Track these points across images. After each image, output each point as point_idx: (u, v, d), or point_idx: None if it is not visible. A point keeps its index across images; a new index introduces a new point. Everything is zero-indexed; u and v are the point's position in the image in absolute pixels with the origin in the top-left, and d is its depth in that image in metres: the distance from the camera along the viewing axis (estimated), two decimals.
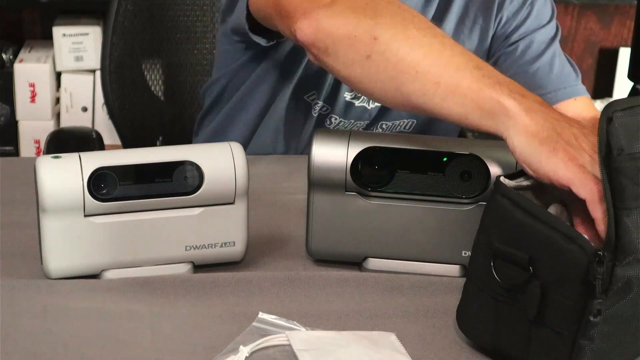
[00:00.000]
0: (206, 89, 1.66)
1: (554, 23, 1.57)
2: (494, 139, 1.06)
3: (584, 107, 1.53)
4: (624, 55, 2.88)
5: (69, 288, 1.10)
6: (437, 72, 1.07)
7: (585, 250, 0.90)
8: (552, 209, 0.99)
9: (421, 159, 1.14)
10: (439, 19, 1.52)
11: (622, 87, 2.92)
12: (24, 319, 1.04)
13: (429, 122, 1.57)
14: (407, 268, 1.17)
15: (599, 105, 2.43)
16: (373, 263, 1.17)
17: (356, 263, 1.19)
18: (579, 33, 2.95)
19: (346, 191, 1.15)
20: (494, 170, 1.11)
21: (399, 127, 1.56)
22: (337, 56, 1.15)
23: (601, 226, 0.94)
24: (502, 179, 0.99)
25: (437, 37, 1.11)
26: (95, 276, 1.12)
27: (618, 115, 0.90)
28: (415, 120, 1.57)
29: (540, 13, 1.56)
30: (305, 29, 1.16)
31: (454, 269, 1.16)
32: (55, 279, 1.11)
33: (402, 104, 1.12)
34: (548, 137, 1.00)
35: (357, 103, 1.53)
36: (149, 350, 1.00)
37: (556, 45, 1.56)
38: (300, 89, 1.52)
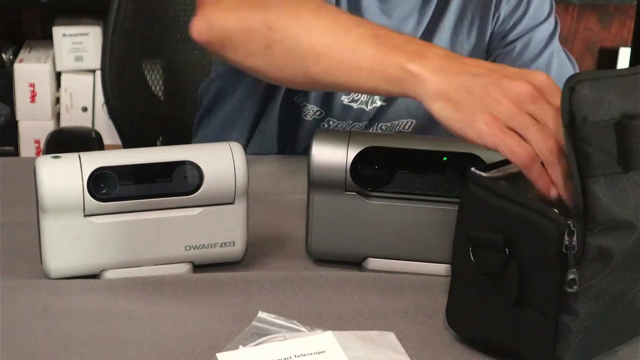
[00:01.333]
0: (203, 89, 1.66)
1: (552, 19, 1.56)
2: None
3: None
4: (624, 55, 2.88)
5: (69, 288, 1.10)
6: (337, 51, 1.07)
7: (557, 224, 0.90)
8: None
9: (421, 159, 1.14)
10: (437, 19, 1.52)
11: None
12: (24, 319, 1.04)
13: (428, 122, 1.57)
14: (407, 268, 1.17)
15: None
16: (373, 263, 1.17)
17: (356, 263, 1.19)
18: (579, 33, 2.95)
19: (346, 191, 1.15)
20: None
21: (398, 127, 1.56)
22: (236, 50, 1.16)
23: (550, 190, 0.95)
24: (472, 169, 0.99)
25: (331, 15, 1.11)
26: (95, 276, 1.12)
27: (581, 85, 0.90)
28: (414, 120, 1.56)
29: (538, 10, 1.55)
30: (197, 29, 1.17)
31: None
32: (55, 279, 1.11)
33: (312, 85, 1.13)
34: (460, 99, 0.99)
35: (355, 106, 1.52)
36: (149, 350, 1.00)
37: (555, 42, 1.56)
38: (290, 91, 1.52)
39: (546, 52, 1.53)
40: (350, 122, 1.54)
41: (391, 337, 1.03)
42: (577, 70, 1.56)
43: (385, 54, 1.04)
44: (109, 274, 1.12)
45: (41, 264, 1.11)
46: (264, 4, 1.14)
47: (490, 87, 0.99)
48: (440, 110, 1.01)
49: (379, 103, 1.53)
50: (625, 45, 2.93)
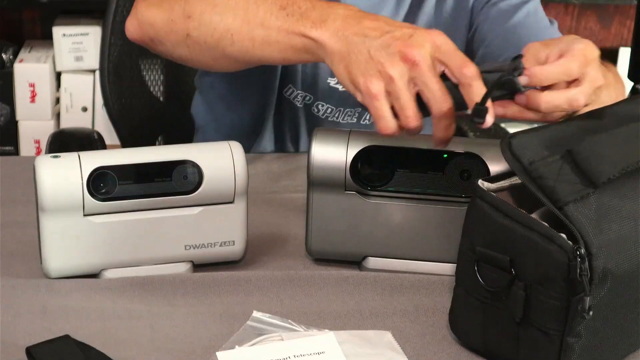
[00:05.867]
0: (197, 81, 1.66)
1: None
2: (495, 138, 1.06)
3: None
4: (624, 55, 2.88)
5: (69, 288, 1.10)
6: (248, 30, 1.13)
7: (565, 250, 0.91)
8: (537, 214, 0.99)
9: (421, 158, 1.14)
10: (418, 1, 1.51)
11: None
12: (24, 319, 1.04)
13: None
14: (407, 267, 1.17)
15: None
16: (373, 262, 1.17)
17: (356, 262, 1.19)
18: (579, 33, 2.95)
19: (346, 190, 1.15)
20: (494, 169, 1.11)
21: None
22: (162, 42, 1.23)
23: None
24: (480, 182, 1.00)
25: None
26: (94, 276, 1.12)
27: (515, 137, 0.96)
28: None
29: None
30: (129, 27, 1.26)
31: (453, 268, 1.15)
32: (55, 278, 1.11)
33: (233, 65, 1.20)
34: (351, 61, 1.04)
35: (340, 88, 1.51)
36: (148, 350, 1.00)
37: (531, 4, 1.52)
38: (280, 85, 1.52)
39: (522, 10, 1.51)
40: (342, 109, 1.53)
41: (388, 336, 1.03)
42: (558, 31, 1.52)
43: (291, 25, 1.10)
44: (109, 274, 1.12)
45: (41, 263, 1.11)
46: None
47: (377, 51, 1.03)
48: (337, 72, 1.07)
49: None
50: (625, 45, 2.93)
